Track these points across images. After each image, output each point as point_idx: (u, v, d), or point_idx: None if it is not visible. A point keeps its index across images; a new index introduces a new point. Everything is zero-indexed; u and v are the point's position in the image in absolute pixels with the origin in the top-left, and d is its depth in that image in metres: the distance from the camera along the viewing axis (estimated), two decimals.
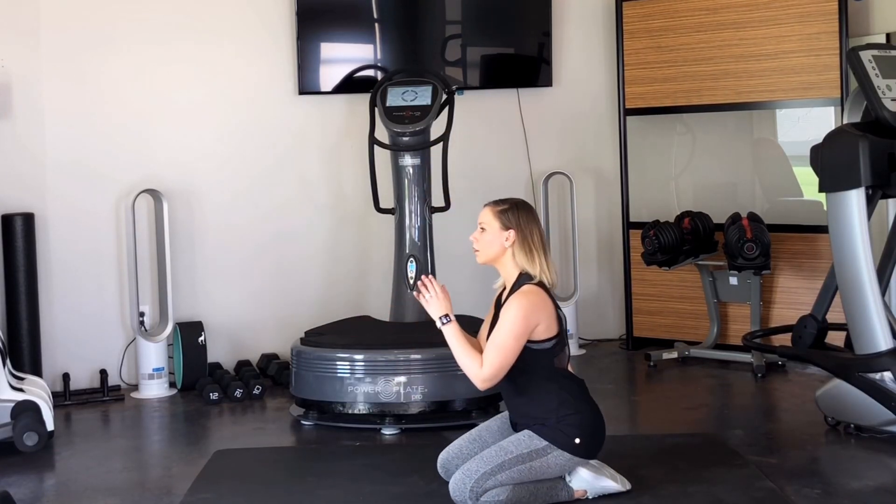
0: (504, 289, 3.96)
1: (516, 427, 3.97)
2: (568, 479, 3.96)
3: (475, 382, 3.84)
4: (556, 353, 3.88)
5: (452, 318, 3.87)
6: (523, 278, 3.88)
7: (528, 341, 3.82)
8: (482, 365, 3.80)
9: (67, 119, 5.93)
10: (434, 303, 3.89)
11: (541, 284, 3.88)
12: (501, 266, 3.95)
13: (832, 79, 5.93)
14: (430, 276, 3.97)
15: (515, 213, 3.91)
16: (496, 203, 3.97)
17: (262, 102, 6.28)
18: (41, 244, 5.82)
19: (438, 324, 3.88)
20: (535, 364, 3.86)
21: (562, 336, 3.90)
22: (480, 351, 3.89)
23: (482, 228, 3.94)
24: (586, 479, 3.95)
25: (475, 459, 3.82)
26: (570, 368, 4.01)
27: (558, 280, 3.98)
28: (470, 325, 4.12)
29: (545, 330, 3.84)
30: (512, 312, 3.79)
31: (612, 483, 3.97)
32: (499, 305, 3.95)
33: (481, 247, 3.95)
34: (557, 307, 3.91)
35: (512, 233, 3.89)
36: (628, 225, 6.63)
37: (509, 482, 3.79)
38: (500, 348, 3.78)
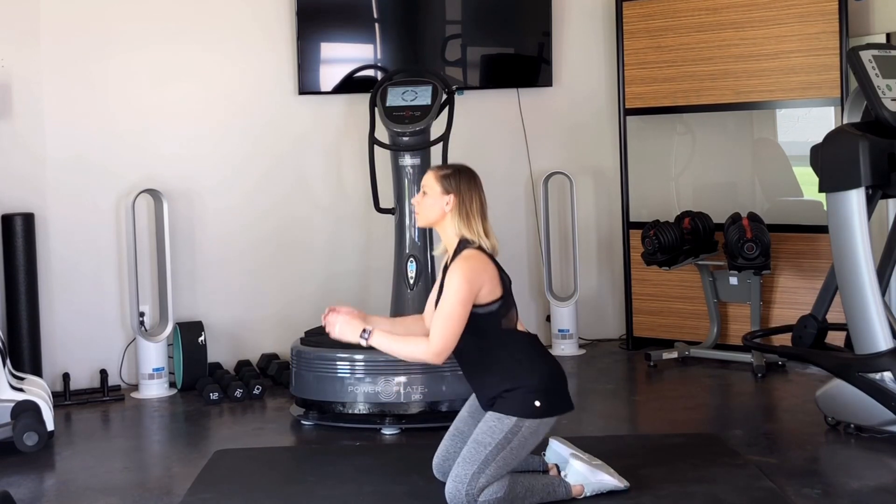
0: (448, 257, 3.96)
1: (483, 403, 3.95)
2: (564, 474, 3.97)
3: (428, 359, 3.82)
4: (503, 315, 3.88)
5: (370, 327, 3.85)
6: (463, 244, 3.90)
7: (475, 306, 3.81)
8: (429, 339, 3.78)
9: (67, 119, 5.93)
10: (345, 328, 3.87)
11: (480, 248, 3.89)
12: (442, 230, 3.97)
13: (832, 79, 5.93)
14: (331, 309, 3.93)
15: (457, 178, 3.94)
16: (439, 168, 4.02)
17: (262, 102, 6.28)
18: (41, 244, 5.82)
19: (363, 343, 3.86)
20: (483, 329, 3.84)
21: (507, 297, 3.90)
22: (417, 325, 3.94)
23: (424, 192, 3.97)
24: (582, 472, 3.96)
25: (460, 463, 3.81)
26: (520, 326, 3.98)
27: (499, 245, 3.97)
28: None
29: (489, 293, 3.84)
30: (455, 280, 3.79)
31: (608, 477, 3.98)
32: (445, 272, 3.94)
33: (421, 210, 3.98)
34: (500, 269, 3.91)
35: (451, 197, 3.91)
36: (628, 225, 6.63)
37: (500, 472, 3.78)
38: (448, 316, 3.77)
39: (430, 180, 3.96)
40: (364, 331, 3.84)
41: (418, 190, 5.49)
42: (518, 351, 3.90)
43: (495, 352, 3.88)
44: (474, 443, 3.82)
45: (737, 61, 6.20)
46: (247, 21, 6.24)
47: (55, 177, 5.92)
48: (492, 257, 3.90)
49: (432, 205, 3.94)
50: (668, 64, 6.41)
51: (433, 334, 3.79)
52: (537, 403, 3.82)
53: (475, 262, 3.83)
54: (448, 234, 3.95)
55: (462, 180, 3.93)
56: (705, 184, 6.71)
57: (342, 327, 3.87)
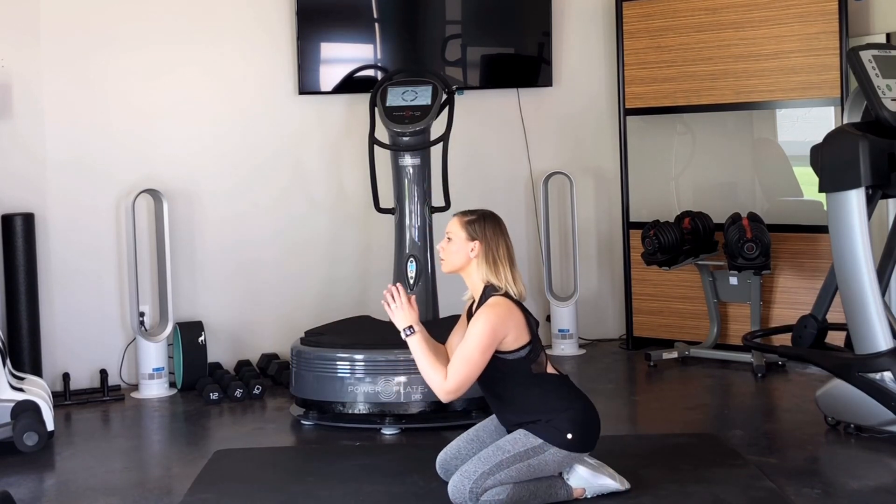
0: (473, 300, 3.98)
1: (508, 429, 3.98)
2: (566, 476, 3.97)
3: (438, 394, 3.86)
4: (532, 360, 3.89)
5: (417, 328, 3.86)
6: (489, 290, 3.90)
7: (502, 352, 3.83)
8: (446, 377, 3.80)
9: (67, 119, 5.93)
10: (399, 313, 3.89)
11: (507, 295, 3.88)
12: (467, 276, 3.97)
13: (832, 79, 5.93)
14: (399, 285, 3.96)
15: (482, 224, 3.93)
16: (464, 214, 4.00)
17: (263, 102, 6.28)
18: (41, 244, 5.82)
19: (403, 335, 3.88)
20: (512, 373, 3.87)
21: (534, 343, 3.90)
22: (447, 358, 3.91)
23: (449, 238, 3.97)
24: (584, 476, 3.96)
25: (473, 461, 3.83)
26: (550, 368, 3.99)
27: (526, 292, 3.99)
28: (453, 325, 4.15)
29: (515, 340, 3.85)
30: (479, 326, 3.80)
31: (610, 481, 3.98)
32: (470, 316, 3.96)
33: (447, 256, 3.97)
34: (527, 314, 3.91)
35: (477, 244, 3.91)
36: (628, 225, 6.63)
37: (508, 481, 3.79)
38: (466, 361, 3.79)
39: (454, 226, 3.96)
40: (411, 327, 3.86)
41: (418, 190, 5.56)
42: (549, 392, 3.92)
43: (526, 394, 3.90)
44: (494, 447, 3.85)
45: (737, 61, 6.20)
46: (247, 21, 6.24)
47: (55, 177, 5.92)
48: (518, 303, 3.90)
49: (457, 251, 3.94)
50: (668, 64, 6.41)
51: (450, 373, 3.81)
52: (569, 436, 3.84)
53: (501, 310, 3.83)
54: (474, 280, 3.95)
55: (487, 226, 3.93)
56: (705, 184, 6.71)
57: (398, 311, 3.87)
